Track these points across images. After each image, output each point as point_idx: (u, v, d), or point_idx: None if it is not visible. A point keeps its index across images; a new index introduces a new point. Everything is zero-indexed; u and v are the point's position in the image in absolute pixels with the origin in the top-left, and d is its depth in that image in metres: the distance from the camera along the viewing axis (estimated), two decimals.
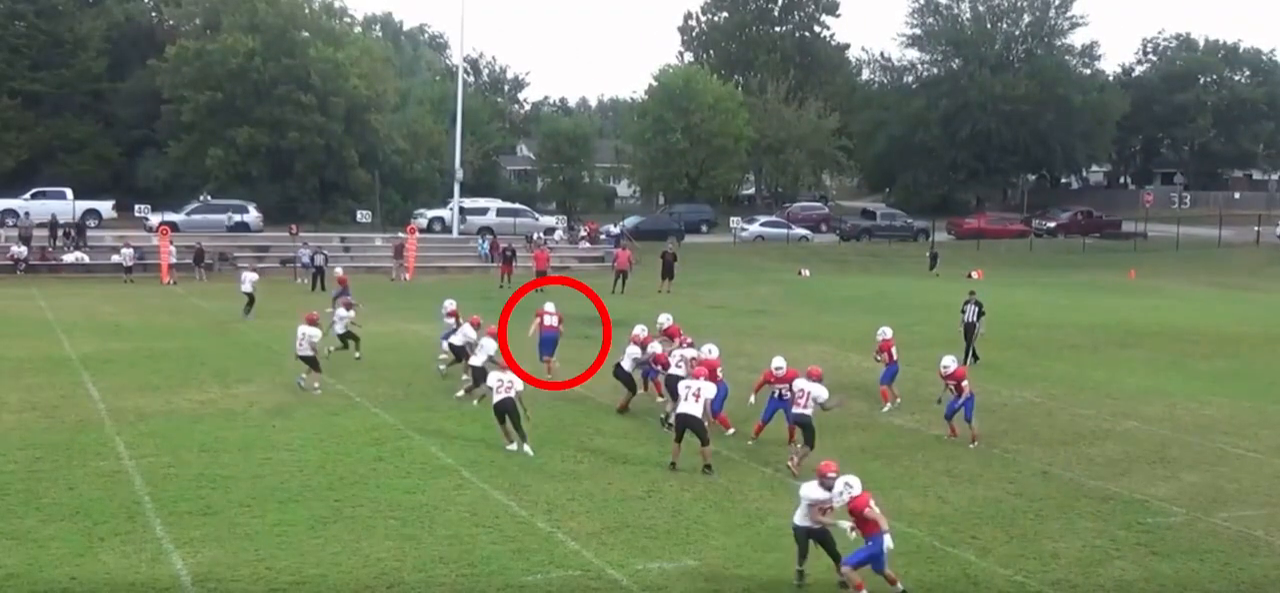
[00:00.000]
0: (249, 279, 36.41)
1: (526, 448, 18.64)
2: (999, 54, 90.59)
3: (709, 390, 18.03)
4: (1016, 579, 13.71)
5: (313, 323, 23.78)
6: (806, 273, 57.00)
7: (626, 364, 22.12)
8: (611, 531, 15.03)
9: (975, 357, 28.99)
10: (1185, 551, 14.84)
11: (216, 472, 17.33)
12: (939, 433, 21.02)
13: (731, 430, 19.95)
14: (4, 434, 19.55)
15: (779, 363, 19.69)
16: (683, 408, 17.71)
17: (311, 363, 23.51)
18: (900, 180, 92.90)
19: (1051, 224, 79.75)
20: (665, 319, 24.25)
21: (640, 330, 22.87)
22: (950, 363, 20.45)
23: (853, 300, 44.25)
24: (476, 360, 22.25)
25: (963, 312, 29.79)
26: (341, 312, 27.72)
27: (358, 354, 27.04)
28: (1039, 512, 16.36)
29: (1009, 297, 44.66)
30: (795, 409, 18.56)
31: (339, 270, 36.70)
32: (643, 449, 19.22)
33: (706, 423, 17.82)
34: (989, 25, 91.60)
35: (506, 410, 18.71)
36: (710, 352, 20.67)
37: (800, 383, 18.69)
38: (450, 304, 26.37)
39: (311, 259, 47.32)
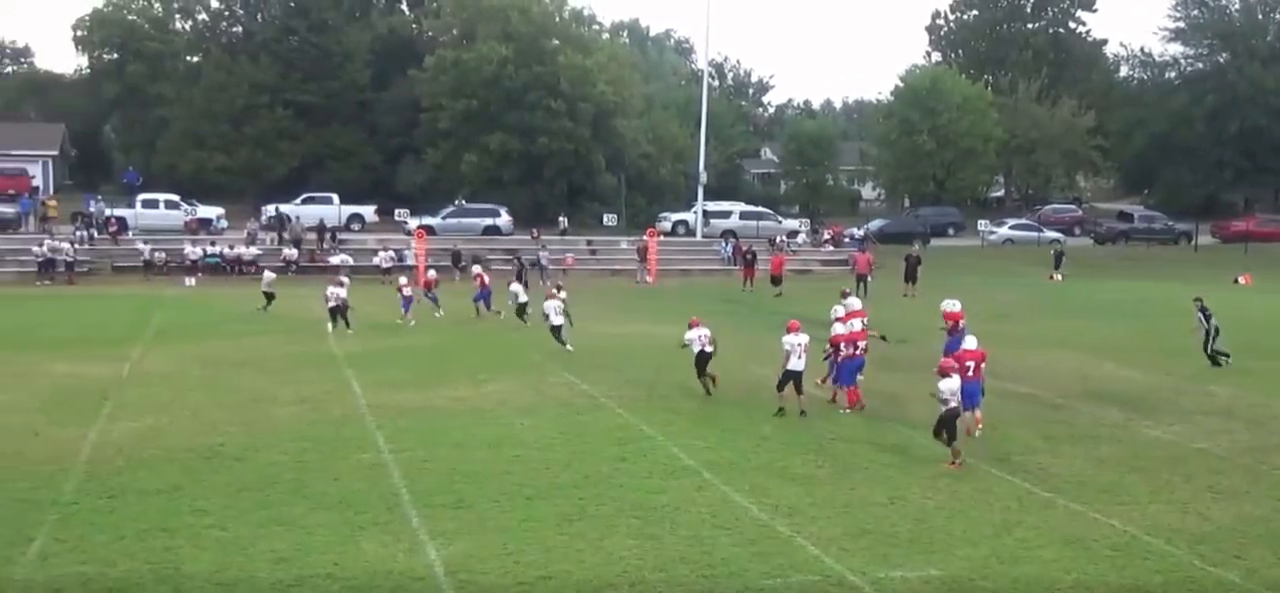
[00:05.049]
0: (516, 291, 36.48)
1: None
2: (1271, 46, 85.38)
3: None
4: None
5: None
6: (1058, 277, 55.04)
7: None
8: (852, 537, 14.89)
9: (1219, 361, 28.21)
10: None
11: (468, 467, 17.99)
12: (1202, 446, 20.00)
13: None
14: (277, 427, 20.84)
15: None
16: (792, 365, 21.45)
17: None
18: (1161, 181, 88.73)
19: None
20: (952, 304, 24.40)
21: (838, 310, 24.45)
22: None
23: (1107, 306, 42.49)
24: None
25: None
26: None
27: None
28: None
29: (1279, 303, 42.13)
30: None
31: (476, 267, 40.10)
32: (884, 455, 18.96)
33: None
34: (1260, 16, 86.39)
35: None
36: (971, 343, 20.93)
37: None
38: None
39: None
